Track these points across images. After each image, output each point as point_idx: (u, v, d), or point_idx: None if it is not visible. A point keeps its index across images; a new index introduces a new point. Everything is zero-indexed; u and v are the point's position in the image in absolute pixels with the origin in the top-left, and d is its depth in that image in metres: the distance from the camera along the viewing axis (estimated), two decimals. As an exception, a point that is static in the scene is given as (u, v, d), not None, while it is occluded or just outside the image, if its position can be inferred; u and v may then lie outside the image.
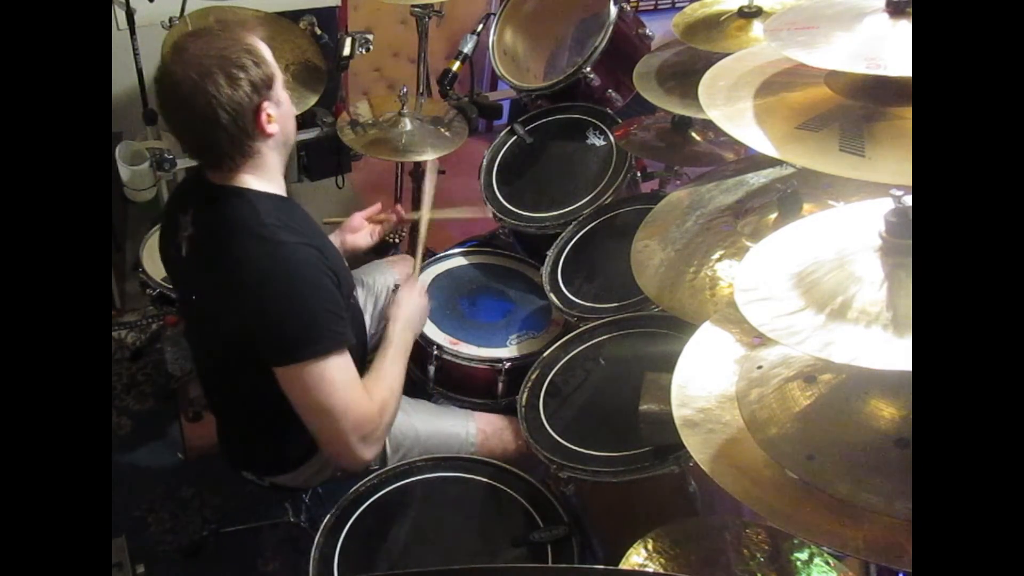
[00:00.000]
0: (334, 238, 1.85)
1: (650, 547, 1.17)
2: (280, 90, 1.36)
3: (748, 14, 1.68)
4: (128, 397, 2.43)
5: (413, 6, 2.23)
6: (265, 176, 1.38)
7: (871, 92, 1.04)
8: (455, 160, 2.26)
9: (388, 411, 1.45)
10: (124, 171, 2.37)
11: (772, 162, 1.50)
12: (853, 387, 0.95)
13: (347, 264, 1.87)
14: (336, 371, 1.33)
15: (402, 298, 1.68)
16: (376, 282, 1.96)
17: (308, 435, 1.53)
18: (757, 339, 1.08)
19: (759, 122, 1.06)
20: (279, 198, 1.40)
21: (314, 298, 1.32)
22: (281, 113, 1.36)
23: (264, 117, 1.32)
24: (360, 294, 1.92)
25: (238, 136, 1.31)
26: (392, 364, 1.52)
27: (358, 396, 1.38)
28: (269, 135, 1.35)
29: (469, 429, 1.67)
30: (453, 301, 1.99)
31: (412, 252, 1.94)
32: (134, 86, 2.41)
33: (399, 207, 1.96)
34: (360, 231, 1.86)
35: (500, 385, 1.80)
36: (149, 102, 2.42)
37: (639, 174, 2.08)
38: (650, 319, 1.61)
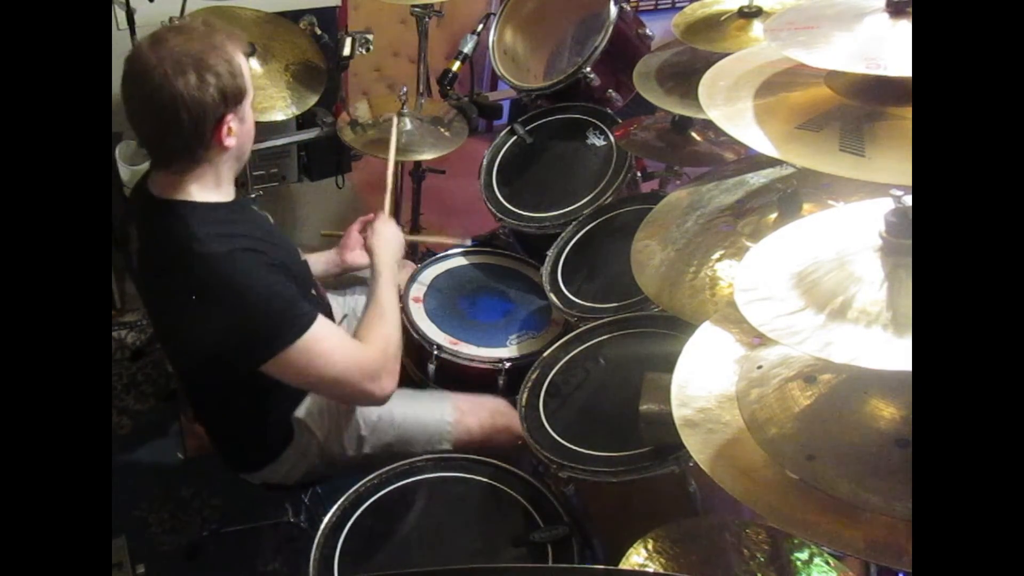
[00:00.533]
0: (333, 255, 1.83)
1: (650, 547, 1.17)
2: (248, 107, 1.36)
3: (748, 14, 1.68)
4: (128, 397, 2.43)
5: (413, 6, 2.23)
6: (211, 184, 1.37)
7: (871, 92, 1.04)
8: (455, 160, 2.26)
9: (391, 344, 1.47)
10: (124, 171, 2.36)
11: (772, 162, 1.49)
12: (853, 387, 0.95)
13: (347, 271, 1.88)
14: (318, 343, 1.33)
15: (377, 228, 1.71)
16: None
17: (282, 420, 1.55)
18: (757, 339, 1.08)
19: (759, 122, 1.06)
20: (221, 205, 1.38)
21: (263, 296, 1.30)
22: (243, 130, 1.36)
23: (225, 129, 1.31)
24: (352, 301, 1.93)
25: (193, 140, 1.29)
26: (382, 295, 1.55)
27: (352, 351, 1.40)
28: (225, 148, 1.33)
29: (444, 408, 1.67)
30: (453, 301, 1.99)
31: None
32: (134, 86, 2.40)
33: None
34: (356, 248, 1.83)
35: (500, 385, 1.80)
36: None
37: (639, 174, 2.08)
38: (650, 319, 1.60)
